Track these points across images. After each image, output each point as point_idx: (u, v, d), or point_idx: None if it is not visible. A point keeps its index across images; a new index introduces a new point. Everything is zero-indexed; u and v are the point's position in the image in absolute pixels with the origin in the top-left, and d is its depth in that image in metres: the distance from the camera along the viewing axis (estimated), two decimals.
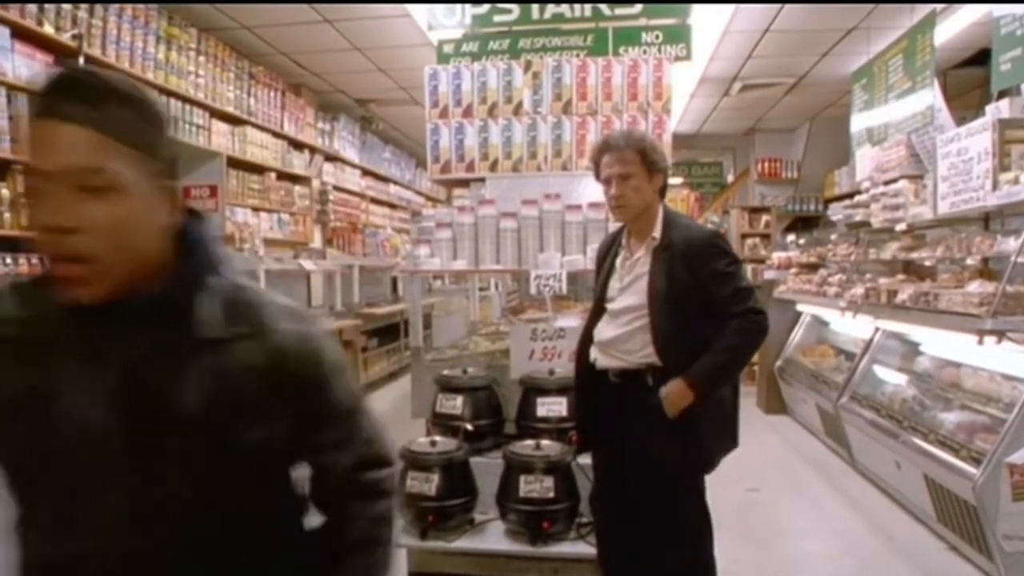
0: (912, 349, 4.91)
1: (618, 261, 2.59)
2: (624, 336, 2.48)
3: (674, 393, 2.35)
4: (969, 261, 4.53)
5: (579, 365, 2.69)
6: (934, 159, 4.98)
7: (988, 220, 4.92)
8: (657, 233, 2.46)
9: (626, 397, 2.47)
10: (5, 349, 0.97)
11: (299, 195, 7.19)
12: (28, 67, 3.86)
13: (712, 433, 2.49)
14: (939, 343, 4.48)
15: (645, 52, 4.70)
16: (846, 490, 4.83)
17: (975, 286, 4.04)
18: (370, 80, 7.42)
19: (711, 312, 2.35)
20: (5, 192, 3.66)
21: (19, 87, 3.75)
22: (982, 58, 6.10)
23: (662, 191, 2.53)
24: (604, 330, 2.55)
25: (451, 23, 5.18)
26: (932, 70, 5.36)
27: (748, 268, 8.86)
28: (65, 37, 4.09)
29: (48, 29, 4.00)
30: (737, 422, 2.57)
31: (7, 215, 3.67)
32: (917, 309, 4.42)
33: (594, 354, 2.59)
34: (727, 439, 2.56)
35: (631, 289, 2.49)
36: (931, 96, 5.39)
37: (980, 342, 3.62)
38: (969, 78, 6.64)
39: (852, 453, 5.19)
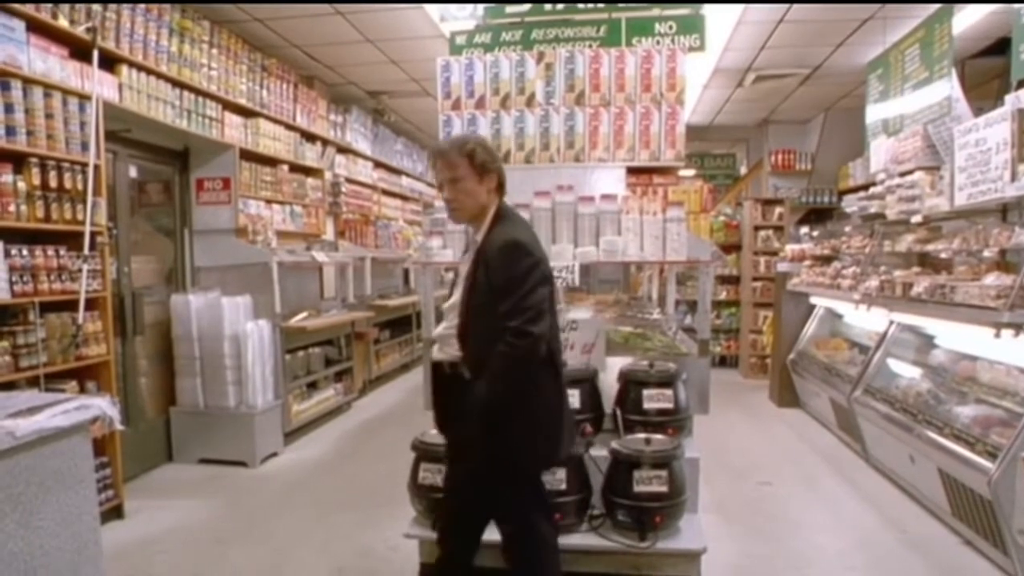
0: (927, 342, 4.88)
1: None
2: (450, 331, 2.57)
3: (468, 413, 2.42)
4: (986, 253, 4.48)
5: (432, 361, 2.76)
6: (951, 150, 4.93)
7: (1006, 211, 4.87)
8: (480, 236, 2.52)
9: (455, 387, 2.54)
10: None
11: (311, 187, 7.20)
12: (43, 60, 3.89)
13: (522, 435, 2.45)
14: (955, 336, 4.44)
15: (658, 43, 4.67)
16: (859, 484, 4.81)
17: (992, 279, 4.01)
18: (382, 72, 7.42)
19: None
20: (21, 185, 3.69)
21: (34, 80, 3.77)
22: (1001, 47, 6.02)
23: (500, 189, 2.56)
24: (440, 327, 2.67)
25: (463, 14, 5.17)
26: (950, 60, 5.30)
27: (761, 260, 8.83)
28: (79, 30, 4.11)
29: (63, 22, 4.02)
30: (555, 427, 2.54)
31: (23, 207, 3.70)
32: (933, 302, 4.39)
33: (434, 348, 2.71)
34: (540, 443, 2.51)
35: (459, 288, 2.58)
36: (948, 86, 5.33)
37: (997, 335, 3.59)
38: (988, 67, 6.55)
39: (865, 447, 5.16)
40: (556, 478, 2.93)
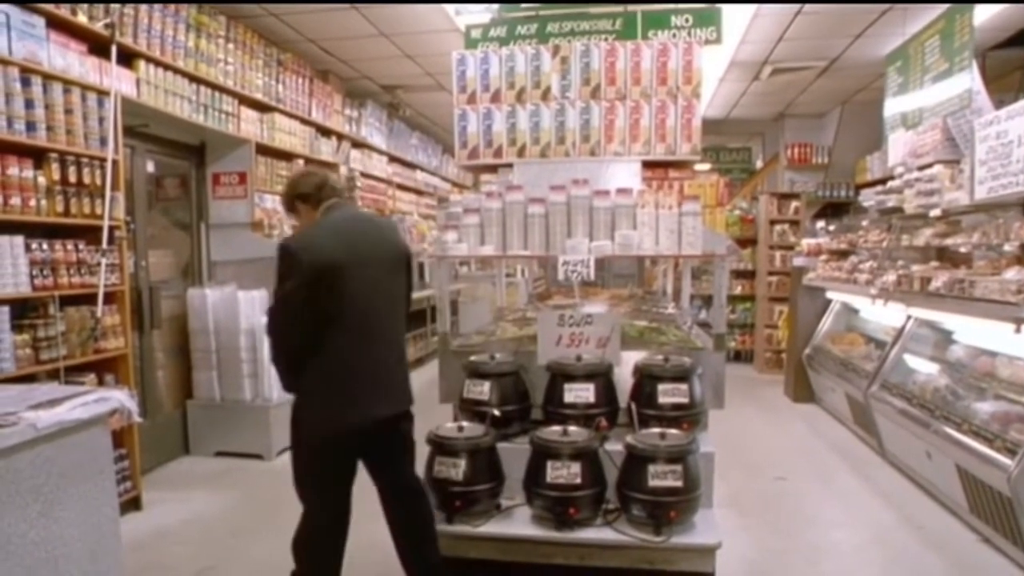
0: (945, 337, 4.83)
1: None
2: None
3: None
4: (1007, 248, 4.43)
5: None
6: (971, 143, 4.87)
7: None
8: None
9: None
10: None
11: None
12: (63, 56, 3.92)
13: (304, 406, 2.81)
14: (974, 331, 4.40)
15: (675, 36, 4.65)
16: (875, 480, 4.78)
17: (1013, 273, 3.96)
18: (397, 66, 7.42)
19: None
20: (41, 180, 3.73)
21: (54, 76, 3.81)
22: (1023, 38, 5.94)
23: (308, 202, 2.94)
24: None
25: (478, 8, 5.16)
26: (971, 51, 5.23)
27: (777, 255, 8.78)
28: (98, 26, 4.14)
29: (82, 18, 4.05)
30: (326, 405, 2.79)
31: (43, 202, 3.74)
32: (951, 296, 4.35)
33: None
34: (312, 414, 2.80)
35: None
36: (969, 78, 5.26)
37: (1017, 330, 3.55)
38: (1009, 59, 6.46)
39: (882, 442, 5.13)
40: (571, 472, 2.93)
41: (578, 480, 2.94)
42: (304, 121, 6.82)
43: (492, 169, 4.12)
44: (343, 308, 2.71)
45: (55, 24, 3.88)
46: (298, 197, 2.95)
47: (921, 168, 5.92)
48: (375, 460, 2.97)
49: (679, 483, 2.89)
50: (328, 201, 2.93)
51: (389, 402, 2.90)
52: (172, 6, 4.85)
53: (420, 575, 2.99)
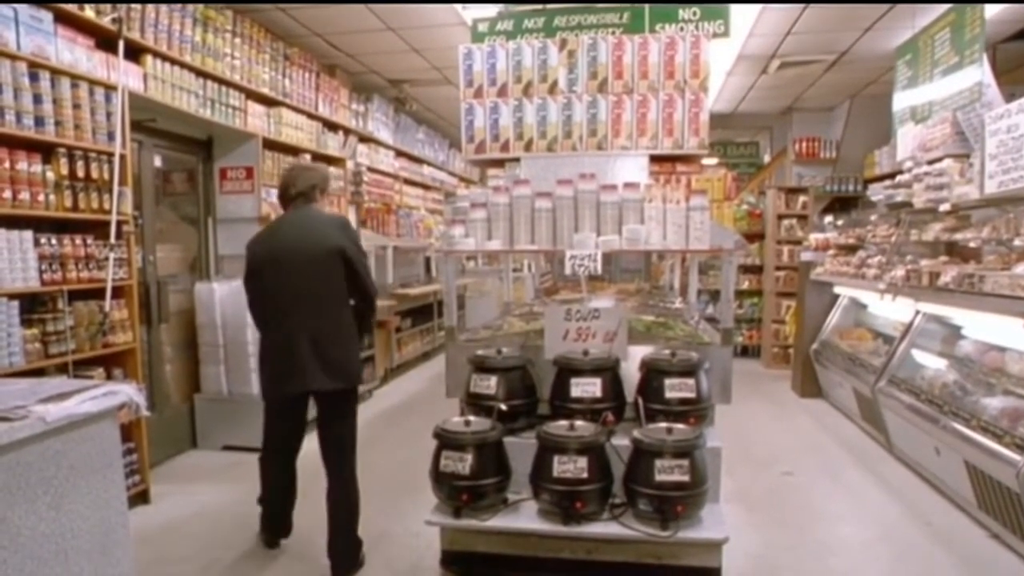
0: (954, 333, 4.81)
1: None
2: None
3: None
4: (1017, 242, 4.39)
5: None
6: (981, 137, 4.84)
7: None
8: None
9: None
10: None
11: (333, 176, 7.21)
12: (71, 51, 3.93)
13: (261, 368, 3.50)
14: (983, 326, 4.37)
15: (682, 29, 4.62)
16: (883, 475, 4.77)
17: (1023, 268, 3.93)
18: (404, 60, 7.41)
19: None
20: (50, 175, 3.74)
21: (62, 71, 3.81)
22: None
23: (285, 203, 3.50)
24: None
25: (485, 1, 5.14)
26: (981, 44, 5.19)
27: (784, 250, 8.74)
28: (105, 21, 4.14)
29: (89, 13, 4.06)
30: (267, 371, 3.45)
31: (52, 197, 3.75)
32: (961, 292, 4.33)
33: None
34: (263, 375, 3.49)
35: None
36: (979, 71, 5.22)
37: None
38: (1020, 52, 6.41)
39: (889, 438, 5.11)
40: (578, 467, 2.93)
41: (585, 474, 2.94)
42: (311, 116, 6.82)
43: (499, 163, 4.11)
44: (264, 297, 3.38)
45: (63, 19, 3.89)
46: (278, 197, 3.57)
47: (930, 162, 5.89)
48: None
49: (686, 478, 2.89)
50: (294, 201, 3.44)
51: (298, 381, 3.30)
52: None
53: (329, 549, 3.40)
